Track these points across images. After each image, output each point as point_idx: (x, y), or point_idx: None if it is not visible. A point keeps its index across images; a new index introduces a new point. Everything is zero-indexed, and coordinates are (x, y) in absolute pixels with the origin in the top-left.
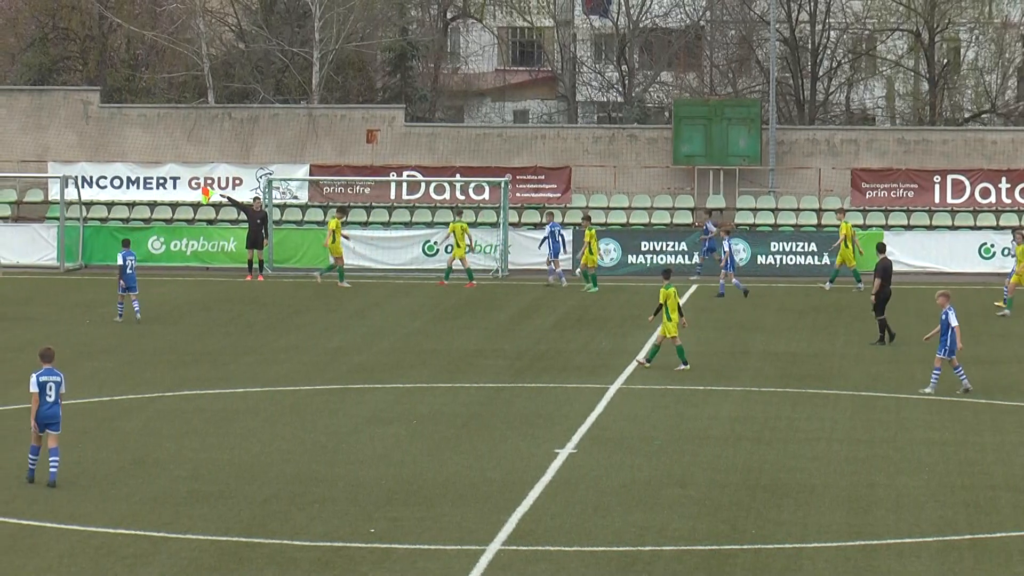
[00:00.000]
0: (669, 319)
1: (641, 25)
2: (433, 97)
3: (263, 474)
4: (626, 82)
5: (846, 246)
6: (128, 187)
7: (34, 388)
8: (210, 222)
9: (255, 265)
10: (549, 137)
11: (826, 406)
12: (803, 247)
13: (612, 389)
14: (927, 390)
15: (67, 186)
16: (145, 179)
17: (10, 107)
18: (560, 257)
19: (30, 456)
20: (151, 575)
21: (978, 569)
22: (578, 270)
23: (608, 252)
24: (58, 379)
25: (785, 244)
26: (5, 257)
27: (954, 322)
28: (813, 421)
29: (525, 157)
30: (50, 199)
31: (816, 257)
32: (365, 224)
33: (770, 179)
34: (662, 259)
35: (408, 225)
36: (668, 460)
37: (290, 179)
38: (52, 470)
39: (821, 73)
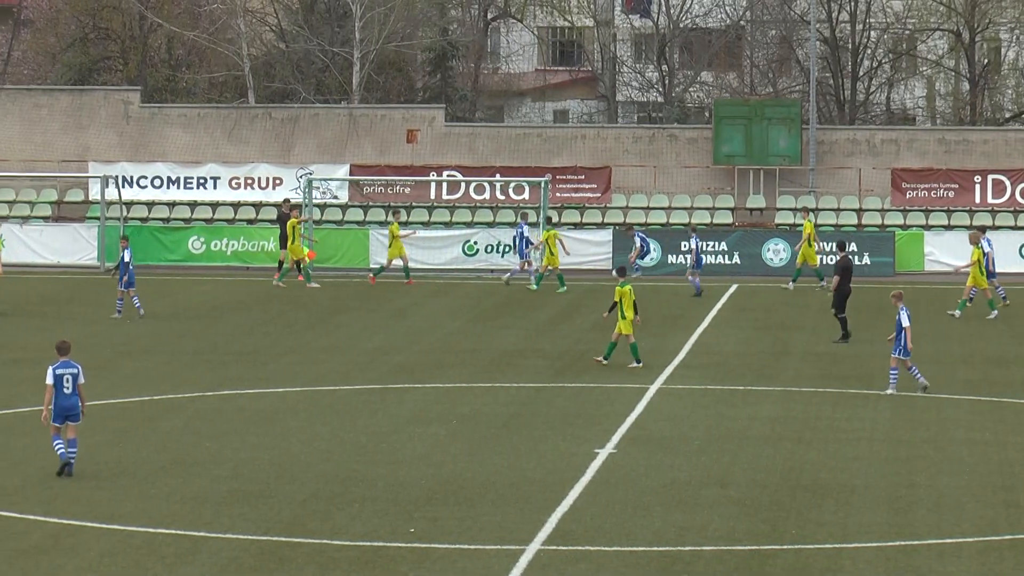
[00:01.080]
0: (623, 317)
1: (681, 25)
2: (473, 97)
3: (303, 474)
4: (666, 82)
5: (809, 245)
6: (168, 187)
7: (49, 380)
8: (250, 222)
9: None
10: (589, 137)
11: (867, 406)
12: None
13: (652, 389)
14: (888, 391)
15: (107, 186)
16: (185, 179)
17: (51, 107)
18: (531, 258)
19: (55, 442)
20: (191, 574)
21: (1018, 569)
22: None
23: (649, 252)
24: (75, 371)
25: (825, 244)
26: (46, 257)
27: (906, 323)
28: (854, 421)
29: (565, 157)
30: (90, 199)
31: (857, 257)
32: (405, 224)
33: (810, 179)
34: (702, 259)
35: (448, 225)
36: (708, 460)
37: (330, 179)
38: (71, 460)
39: (861, 73)
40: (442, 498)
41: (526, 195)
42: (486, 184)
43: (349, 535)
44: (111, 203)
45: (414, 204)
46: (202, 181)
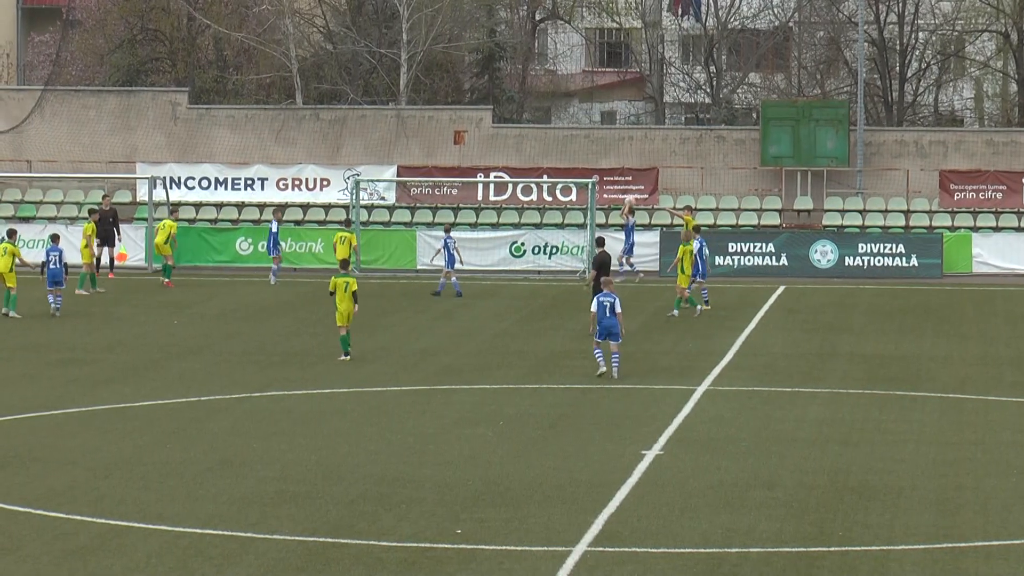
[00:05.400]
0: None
1: (729, 26)
2: (521, 98)
3: (350, 475)
4: (714, 83)
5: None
6: (216, 188)
7: None
8: (297, 223)
9: None
10: (636, 138)
11: (914, 408)
12: (891, 249)
13: (699, 391)
14: None
15: (155, 187)
16: (233, 180)
17: (99, 108)
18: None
19: None
20: (238, 575)
21: None
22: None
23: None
24: None
25: (873, 246)
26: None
27: None
28: (901, 423)
29: (612, 158)
30: (138, 200)
31: (904, 259)
32: (452, 225)
33: (858, 180)
34: (749, 261)
35: (495, 226)
36: (755, 462)
37: (378, 180)
38: None
39: (909, 74)
40: (489, 499)
41: (573, 196)
42: (533, 185)
43: (396, 536)
44: (159, 204)
45: (461, 205)
46: (250, 182)
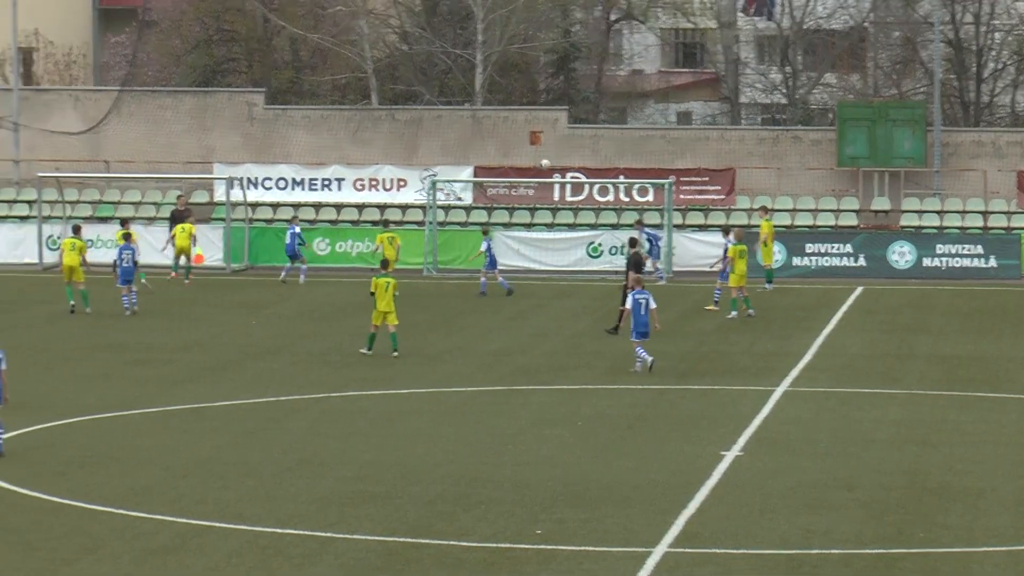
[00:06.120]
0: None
1: (804, 26)
2: (596, 99)
3: (428, 475)
4: (790, 84)
5: (765, 245)
6: (293, 188)
7: None
8: (374, 223)
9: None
10: (713, 139)
11: (993, 409)
12: (969, 249)
13: (777, 392)
14: None
15: (232, 187)
16: (310, 180)
17: (175, 108)
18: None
19: None
20: (317, 575)
21: None
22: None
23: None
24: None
25: (951, 246)
26: (171, 258)
27: None
28: (980, 424)
29: (689, 159)
30: (215, 200)
31: (983, 260)
32: (529, 226)
33: (935, 181)
34: (827, 261)
35: (572, 227)
36: (834, 463)
37: (454, 180)
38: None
39: (986, 75)
40: (567, 500)
41: (650, 197)
42: (610, 186)
43: (475, 537)
44: (236, 204)
45: (537, 206)
46: (326, 183)
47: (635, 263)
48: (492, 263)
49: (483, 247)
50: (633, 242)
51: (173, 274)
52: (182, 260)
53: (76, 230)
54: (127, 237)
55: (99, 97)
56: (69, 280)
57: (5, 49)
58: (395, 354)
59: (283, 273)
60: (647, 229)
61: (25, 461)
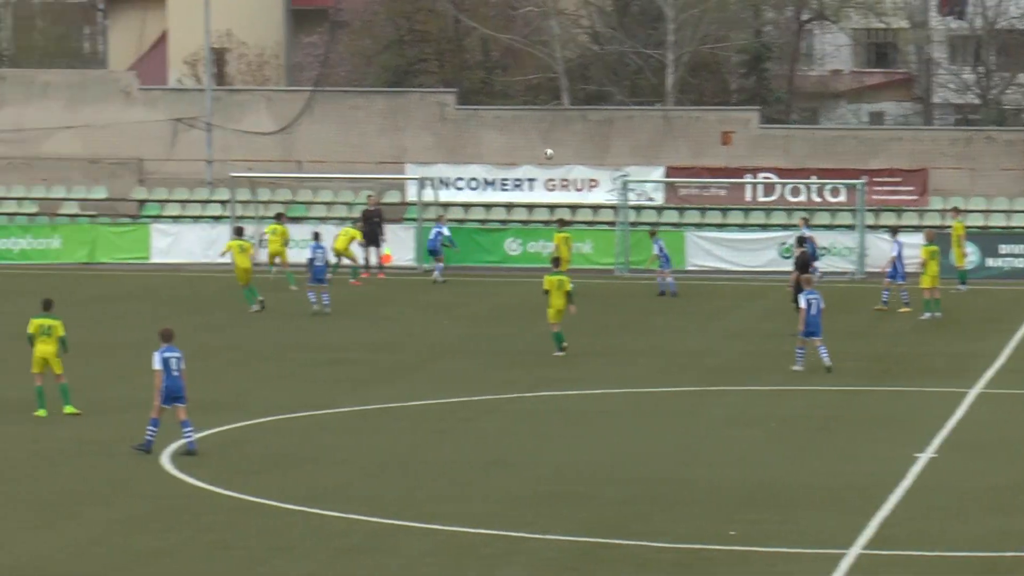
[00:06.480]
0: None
1: (997, 26)
2: (788, 99)
3: (622, 475)
4: (983, 84)
5: (958, 245)
6: (484, 188)
7: (158, 365)
8: (566, 223)
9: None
10: (905, 139)
11: None
12: None
13: (971, 393)
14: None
15: (424, 187)
16: (501, 180)
17: (367, 109)
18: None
19: (149, 428)
20: (512, 575)
21: None
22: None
23: (967, 255)
24: (179, 355)
25: None
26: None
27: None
28: None
29: (881, 159)
30: (407, 200)
31: None
32: (720, 226)
33: None
34: (1021, 263)
35: (763, 227)
36: None
37: (645, 180)
38: (189, 440)
39: None
40: (761, 501)
41: (842, 197)
42: (801, 186)
43: (669, 537)
44: (428, 204)
45: (729, 206)
46: (517, 183)
47: (802, 263)
48: (667, 262)
49: (655, 249)
50: (800, 241)
51: (365, 273)
52: (344, 260)
53: (239, 231)
54: (316, 236)
55: (291, 97)
56: (246, 283)
57: (198, 50)
58: (563, 348)
59: (435, 273)
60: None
61: (219, 460)
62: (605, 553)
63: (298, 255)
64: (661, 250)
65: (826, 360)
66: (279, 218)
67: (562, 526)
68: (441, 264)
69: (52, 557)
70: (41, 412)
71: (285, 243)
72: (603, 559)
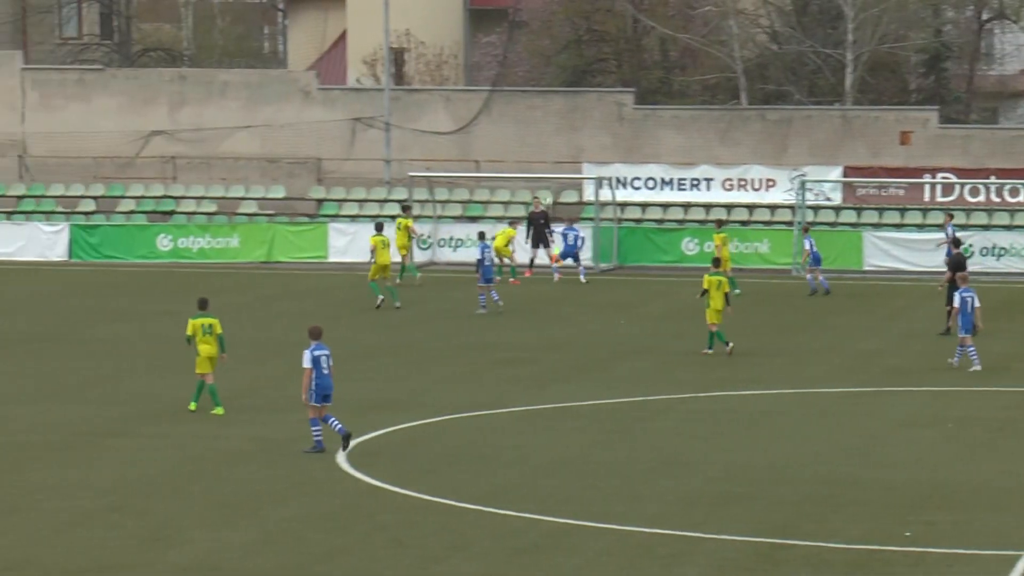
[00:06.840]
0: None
1: None
2: (967, 99)
3: (796, 475)
4: None
5: None
6: (662, 188)
7: (308, 363)
8: (743, 223)
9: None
10: None
11: None
12: None
13: None
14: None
15: (601, 187)
16: (679, 180)
17: (545, 108)
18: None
19: (314, 429)
20: (687, 575)
21: None
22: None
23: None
24: (328, 353)
25: None
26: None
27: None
28: None
29: None
30: (584, 200)
31: None
32: (899, 226)
33: None
34: None
35: (942, 228)
36: None
37: (823, 180)
38: (339, 427)
39: None
40: (936, 502)
41: (1021, 197)
42: (980, 186)
43: (844, 538)
44: (605, 204)
45: (907, 206)
46: (695, 182)
47: (957, 263)
48: (816, 260)
49: (806, 245)
50: (957, 242)
51: (527, 272)
52: (506, 261)
53: (379, 228)
54: (482, 236)
55: (469, 97)
56: (381, 277)
57: (377, 49)
58: (707, 351)
59: (581, 275)
60: (951, 226)
61: (395, 459)
62: (780, 553)
63: (467, 255)
64: (812, 247)
65: (974, 361)
66: (406, 210)
67: (734, 527)
68: (583, 267)
69: (228, 555)
70: (218, 410)
71: (411, 237)
72: (778, 560)
